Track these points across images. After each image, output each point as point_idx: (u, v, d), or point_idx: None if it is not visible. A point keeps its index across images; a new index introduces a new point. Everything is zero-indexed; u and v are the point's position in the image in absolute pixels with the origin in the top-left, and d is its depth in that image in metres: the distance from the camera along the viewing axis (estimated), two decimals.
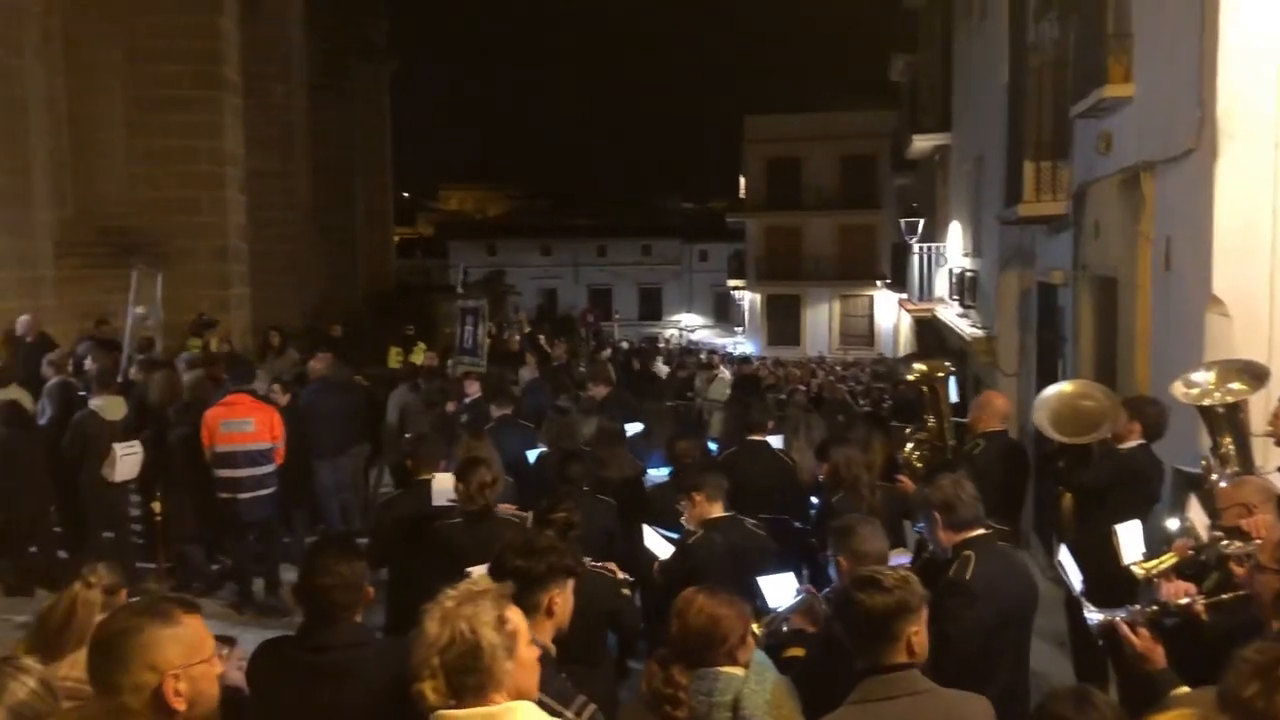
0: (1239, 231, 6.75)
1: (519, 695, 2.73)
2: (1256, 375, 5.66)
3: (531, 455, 8.34)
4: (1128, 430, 6.23)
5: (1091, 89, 9.06)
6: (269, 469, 8.89)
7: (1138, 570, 4.63)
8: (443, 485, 6.30)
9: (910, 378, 7.79)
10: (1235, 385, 5.56)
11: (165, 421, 9.14)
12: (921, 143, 23.70)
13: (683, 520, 5.90)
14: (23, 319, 12.03)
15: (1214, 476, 5.27)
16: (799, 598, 4.41)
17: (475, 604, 2.67)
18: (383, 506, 7.27)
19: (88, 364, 10.54)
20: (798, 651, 4.05)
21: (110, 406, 8.80)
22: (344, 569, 3.51)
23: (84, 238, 14.66)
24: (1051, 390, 6.89)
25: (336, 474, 10.63)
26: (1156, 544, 4.97)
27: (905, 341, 30.78)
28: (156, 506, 8.83)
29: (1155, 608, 3.94)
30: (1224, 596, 3.99)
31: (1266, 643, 2.95)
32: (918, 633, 3.23)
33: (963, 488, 4.46)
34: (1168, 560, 4.61)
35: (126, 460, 8.51)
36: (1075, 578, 4.50)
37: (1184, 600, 3.96)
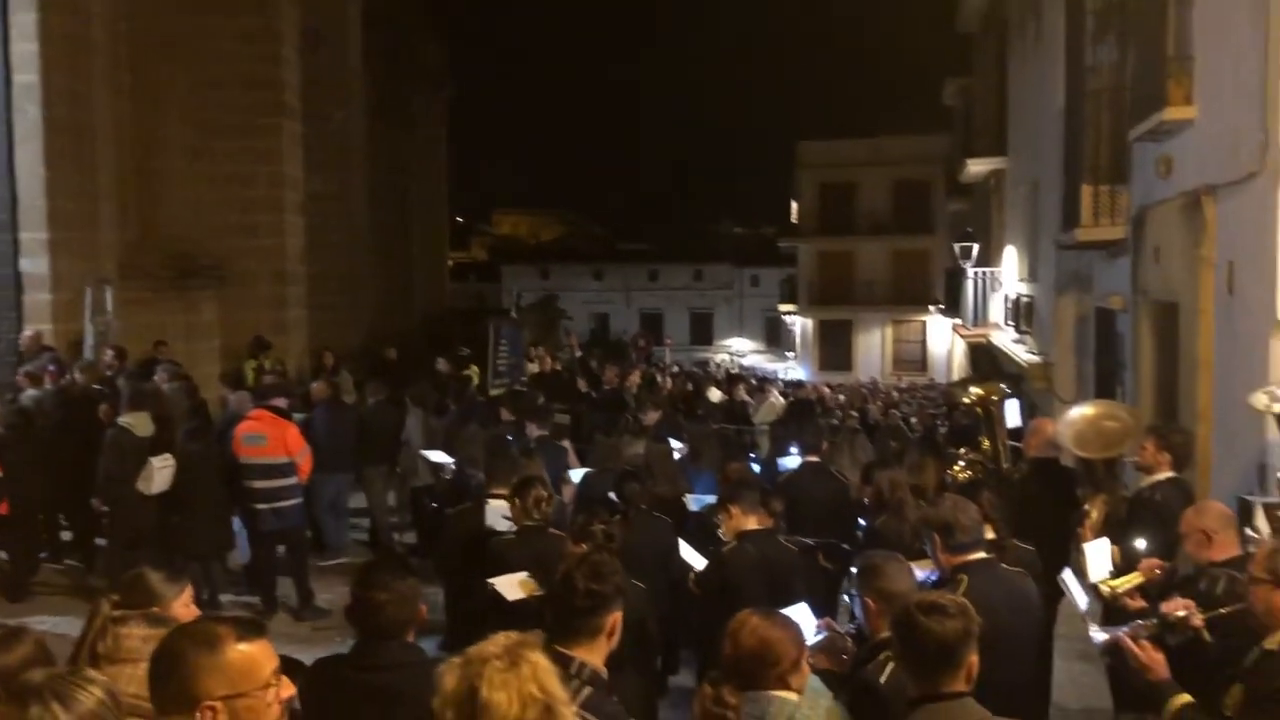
0: None
1: None
2: None
3: (575, 475, 8.50)
4: (1157, 462, 6.10)
5: (1151, 112, 8.94)
6: (286, 482, 9.26)
7: (1104, 588, 4.87)
8: (498, 508, 6.50)
9: (966, 400, 7.74)
10: None
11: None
12: (976, 167, 23.52)
13: (719, 533, 6.13)
14: (25, 334, 12.17)
15: None
16: (820, 635, 4.35)
17: (531, 661, 2.50)
18: (449, 520, 7.39)
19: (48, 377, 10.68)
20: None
21: (139, 423, 8.99)
22: (399, 585, 3.52)
23: (147, 261, 14.97)
24: (1076, 411, 6.95)
25: (326, 490, 10.83)
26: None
27: (959, 367, 30.45)
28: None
29: (1155, 621, 4.06)
30: (1221, 610, 4.07)
31: None
32: (975, 661, 3.18)
33: (964, 510, 4.48)
34: (1133, 579, 4.84)
35: (162, 473, 8.72)
36: (1080, 598, 4.52)
37: (1181, 614, 4.05)
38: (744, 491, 6.18)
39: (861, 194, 44.75)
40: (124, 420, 9.05)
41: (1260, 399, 5.84)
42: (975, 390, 7.74)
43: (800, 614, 4.72)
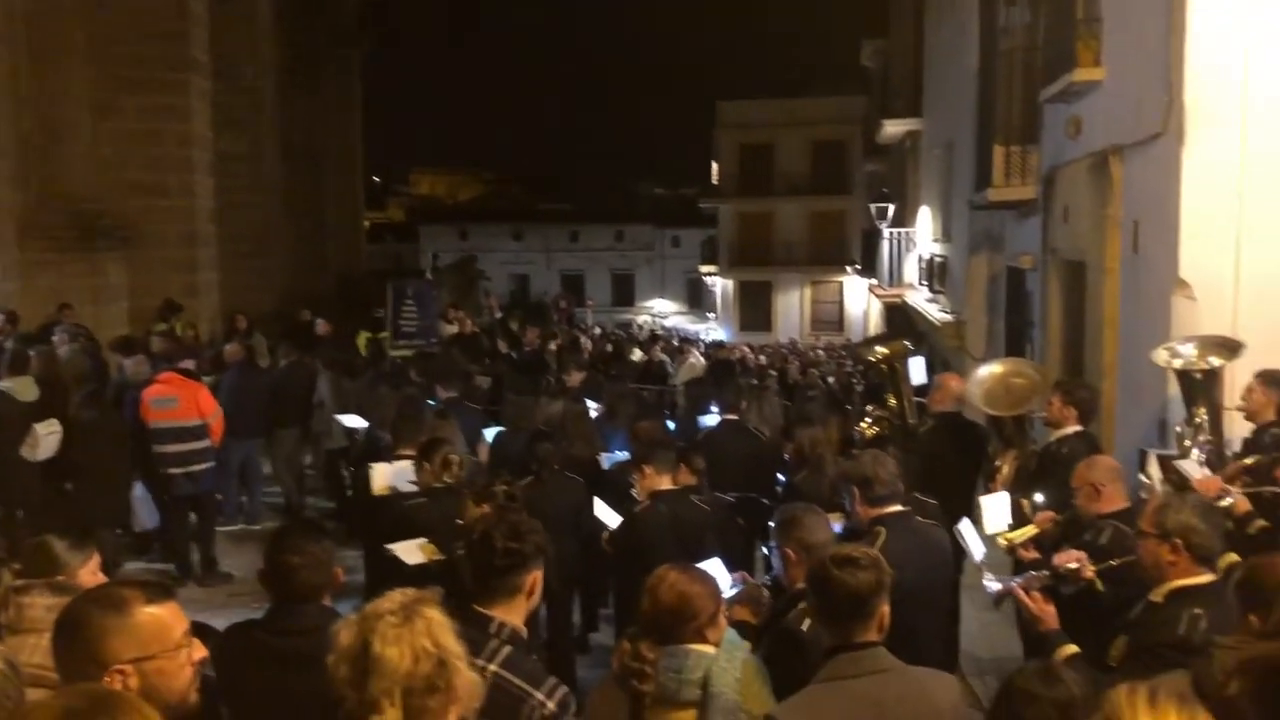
0: (1205, 215, 6.82)
1: (466, 708, 2.56)
2: (1232, 349, 6.01)
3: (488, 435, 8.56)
4: (1063, 417, 6.31)
5: (1061, 73, 9.12)
6: (199, 446, 9.15)
7: (1001, 541, 5.07)
8: (386, 474, 6.57)
9: (872, 359, 7.93)
10: (1214, 358, 5.81)
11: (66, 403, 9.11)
12: (892, 128, 23.77)
13: (633, 492, 6.17)
14: None
15: (1187, 443, 5.53)
16: (737, 587, 4.43)
17: (425, 616, 2.47)
18: (362, 482, 7.35)
19: None
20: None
21: (22, 388, 8.74)
22: (313, 548, 3.48)
23: (50, 221, 14.46)
24: (985, 370, 7.15)
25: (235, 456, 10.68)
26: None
27: (875, 327, 30.93)
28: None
29: (1047, 573, 4.18)
30: (1112, 562, 4.21)
31: (1243, 636, 3.01)
32: (886, 612, 3.25)
33: (882, 464, 4.61)
34: (1028, 532, 5.03)
35: (48, 440, 8.49)
36: (976, 549, 4.64)
37: (1073, 565, 4.19)
38: (658, 451, 6.21)
39: (780, 155, 44.97)
40: (3, 385, 8.77)
41: (1161, 355, 6.05)
42: (880, 349, 7.92)
43: (714, 568, 4.81)
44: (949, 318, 16.05)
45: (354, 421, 9.80)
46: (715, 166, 47.42)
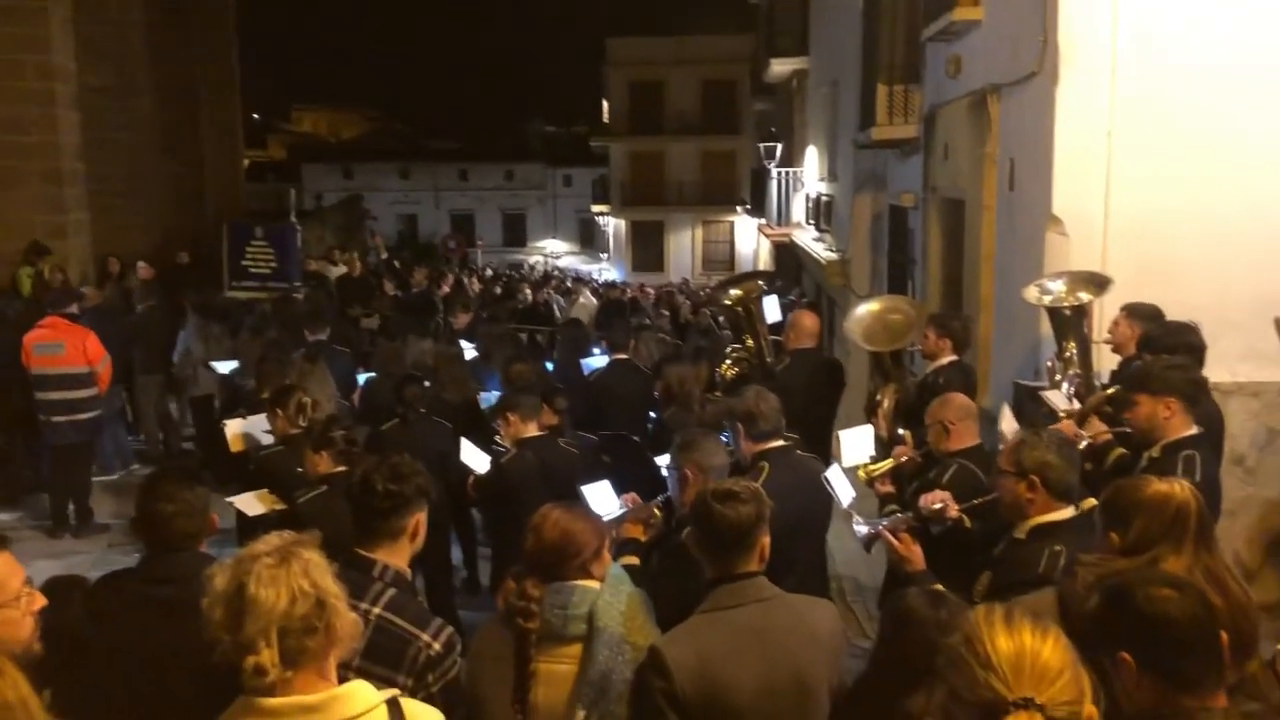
0: (1077, 154, 6.99)
1: (346, 649, 2.53)
2: (1100, 284, 6.17)
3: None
4: (939, 348, 6.57)
5: (942, 12, 9.22)
6: (86, 393, 8.91)
7: (860, 473, 5.18)
8: (239, 428, 6.54)
9: (728, 301, 8.04)
10: (1082, 293, 5.98)
11: None
12: (779, 67, 23.78)
13: (498, 439, 6.23)
14: None
15: (1058, 377, 5.72)
16: (626, 509, 4.50)
17: (302, 557, 2.42)
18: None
19: None
20: (632, 560, 4.13)
21: None
22: (186, 495, 3.40)
23: None
24: (863, 308, 7.30)
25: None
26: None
27: (765, 265, 31.20)
28: None
29: (912, 514, 4.29)
30: (975, 501, 4.31)
31: (1103, 555, 3.14)
32: (767, 542, 3.31)
33: (765, 400, 4.73)
34: (886, 465, 5.17)
35: None
36: (845, 494, 4.77)
37: (937, 505, 4.29)
38: (522, 398, 6.27)
39: (670, 93, 44.82)
40: None
41: (1032, 292, 6.23)
42: (734, 291, 8.04)
43: (603, 491, 4.88)
44: (835, 256, 16.28)
45: (225, 366, 9.57)
46: (606, 105, 47.04)
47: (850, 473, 5.30)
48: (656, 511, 4.51)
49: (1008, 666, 1.82)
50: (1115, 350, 5.98)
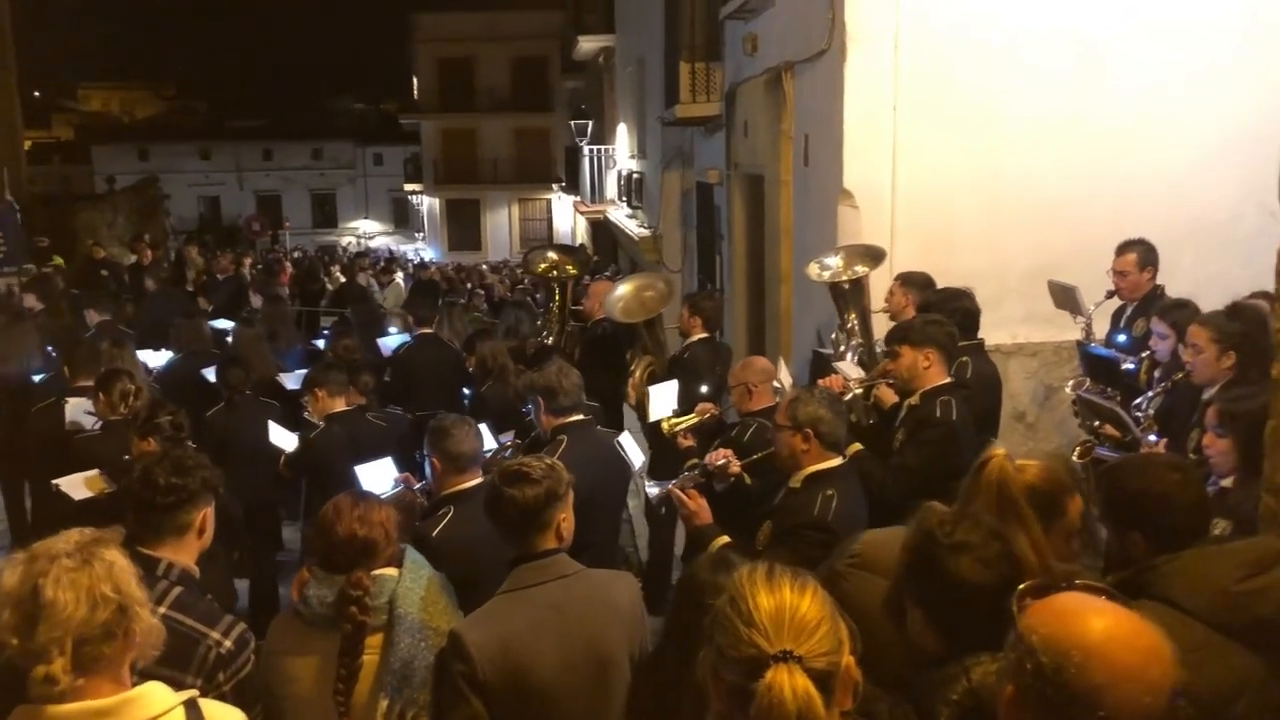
0: (865, 129, 7.26)
1: (144, 653, 2.41)
2: (875, 257, 6.43)
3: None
4: (691, 326, 6.93)
5: None
6: None
7: (664, 425, 5.47)
8: (79, 404, 6.31)
9: (543, 266, 8.18)
10: (859, 267, 6.20)
11: None
12: (587, 44, 23.84)
13: (306, 414, 6.31)
14: None
15: (841, 348, 5.95)
16: (395, 488, 4.51)
17: (105, 559, 2.29)
18: (35, 415, 6.84)
19: None
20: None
21: None
22: None
23: None
24: (621, 287, 7.56)
25: None
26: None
27: (584, 244, 31.30)
28: None
29: (698, 471, 4.48)
30: (756, 456, 4.59)
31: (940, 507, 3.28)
32: (566, 519, 3.33)
33: (566, 375, 4.84)
34: (689, 420, 5.45)
35: None
36: (636, 458, 4.93)
37: (721, 462, 4.53)
38: (330, 374, 6.33)
39: (481, 70, 44.25)
40: None
41: (813, 269, 6.48)
42: (551, 255, 8.20)
43: (382, 469, 4.88)
44: (647, 232, 16.47)
45: None
46: (415, 81, 46.09)
47: (653, 428, 5.46)
48: (420, 498, 4.57)
49: (769, 622, 1.87)
50: (892, 318, 6.24)
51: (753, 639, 1.86)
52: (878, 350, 6.11)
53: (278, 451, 6.47)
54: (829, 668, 1.87)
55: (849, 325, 6.22)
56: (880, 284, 6.48)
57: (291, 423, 6.62)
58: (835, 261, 6.41)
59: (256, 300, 10.80)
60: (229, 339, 8.88)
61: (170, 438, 4.83)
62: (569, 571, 3.30)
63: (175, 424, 5.02)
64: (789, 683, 1.81)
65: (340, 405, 6.22)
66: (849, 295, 6.25)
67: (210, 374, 7.10)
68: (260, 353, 7.99)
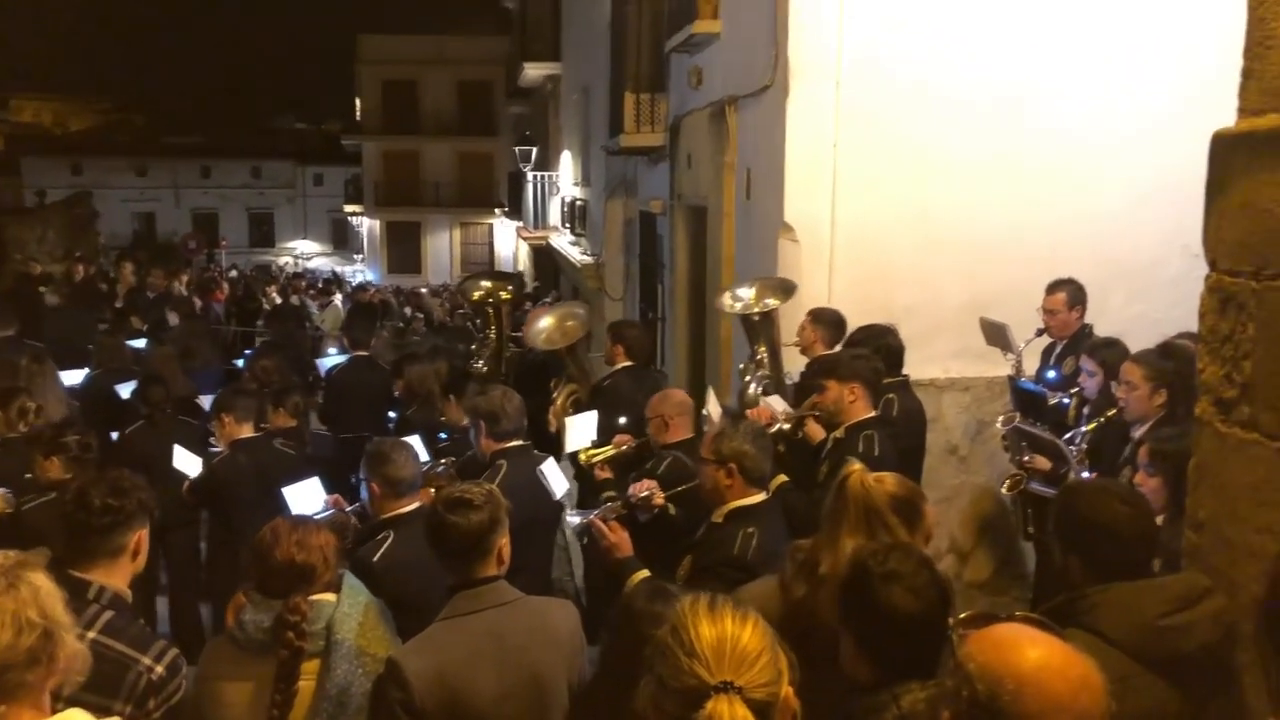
0: (806, 164, 7.33)
1: (68, 679, 2.35)
2: (787, 290, 6.53)
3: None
4: (614, 354, 6.97)
5: (683, 24, 9.54)
6: None
7: (581, 457, 5.51)
8: None
9: (478, 295, 8.22)
10: (770, 300, 6.29)
11: None
12: (533, 71, 23.89)
13: (212, 440, 6.25)
14: None
15: (748, 379, 6.06)
16: (328, 511, 4.49)
17: (31, 583, 2.22)
18: None
19: None
20: None
21: None
22: None
23: None
24: (543, 320, 7.61)
25: None
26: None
27: (525, 270, 31.28)
28: None
29: (621, 503, 4.51)
30: (680, 488, 4.64)
31: (808, 542, 3.34)
32: (505, 544, 3.34)
33: (509, 400, 4.87)
34: (606, 451, 5.46)
35: None
36: (559, 486, 4.97)
37: (644, 494, 4.56)
38: (237, 399, 6.23)
39: (425, 93, 44.15)
40: None
41: (726, 300, 6.56)
42: (485, 284, 8.25)
43: (310, 489, 4.84)
44: (590, 260, 16.51)
45: None
46: (358, 103, 45.85)
47: (572, 458, 5.48)
48: (353, 520, 4.54)
49: (710, 652, 1.90)
50: (803, 352, 6.33)
51: (694, 669, 1.89)
52: (786, 383, 6.20)
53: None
54: (768, 698, 1.90)
55: (759, 356, 6.28)
56: (796, 316, 6.54)
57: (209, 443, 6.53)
58: (747, 293, 6.49)
59: (174, 318, 10.70)
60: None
61: (76, 458, 4.76)
62: (508, 599, 3.30)
63: (83, 444, 4.94)
64: (729, 713, 1.84)
65: (247, 431, 6.08)
66: (759, 327, 6.33)
67: (125, 390, 7.02)
68: (171, 371, 7.89)
